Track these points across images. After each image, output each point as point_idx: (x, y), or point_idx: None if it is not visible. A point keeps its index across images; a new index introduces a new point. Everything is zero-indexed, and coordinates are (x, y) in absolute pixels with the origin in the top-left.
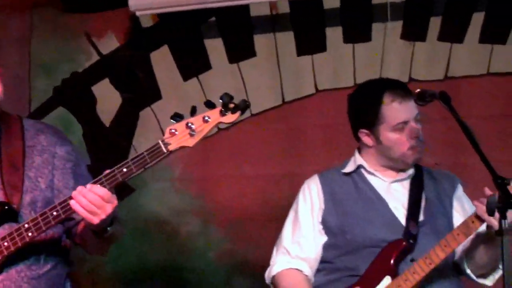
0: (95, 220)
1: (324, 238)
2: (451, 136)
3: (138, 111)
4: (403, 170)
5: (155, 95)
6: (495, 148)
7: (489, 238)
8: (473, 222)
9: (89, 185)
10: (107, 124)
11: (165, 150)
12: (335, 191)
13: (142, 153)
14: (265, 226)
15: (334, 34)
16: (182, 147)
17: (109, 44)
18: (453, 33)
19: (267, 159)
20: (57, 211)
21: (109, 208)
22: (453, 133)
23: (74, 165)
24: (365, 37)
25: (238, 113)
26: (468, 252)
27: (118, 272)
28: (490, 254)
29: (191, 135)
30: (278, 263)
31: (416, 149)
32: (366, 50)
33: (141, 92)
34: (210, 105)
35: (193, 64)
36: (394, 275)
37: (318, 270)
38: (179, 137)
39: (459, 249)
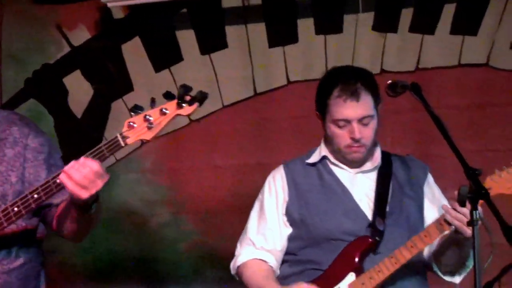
0: (84, 194)
1: (289, 230)
2: (422, 126)
3: (110, 102)
4: (368, 160)
5: (127, 86)
6: (466, 139)
7: (458, 240)
8: (441, 224)
9: (82, 159)
10: (79, 116)
11: (123, 144)
12: (299, 182)
13: (100, 146)
14: (236, 216)
15: (305, 26)
16: (140, 140)
17: (81, 35)
18: (424, 24)
19: (238, 150)
20: (38, 193)
21: (100, 183)
22: (424, 123)
23: (47, 156)
24: (337, 28)
25: (195, 105)
26: (437, 251)
27: (89, 264)
28: (458, 254)
29: (149, 128)
30: (243, 254)
31: (353, 149)
32: (337, 41)
33: (112, 83)
34: (169, 96)
35: (164, 56)
36: (358, 272)
37: (283, 262)
38: (137, 130)
39: (427, 247)
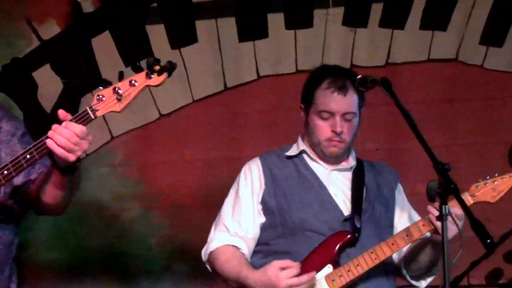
0: (72, 157)
1: (262, 219)
2: (392, 121)
3: (80, 97)
4: (343, 159)
5: (97, 81)
6: (436, 133)
7: (433, 243)
8: (423, 225)
9: (64, 123)
10: (48, 110)
11: (92, 116)
12: (276, 172)
13: (70, 119)
14: (206, 211)
15: (276, 20)
16: (110, 112)
17: (50, 29)
18: (394, 19)
19: (208, 144)
20: (30, 153)
21: (85, 144)
22: (394, 118)
23: (22, 135)
24: (307, 23)
25: (164, 75)
26: (410, 254)
27: (58, 258)
28: (431, 258)
29: (119, 100)
30: (216, 240)
31: (332, 143)
32: (308, 36)
33: (82, 78)
34: (137, 69)
35: (135, 50)
36: (336, 265)
37: (255, 252)
38: (106, 102)
39: (400, 250)
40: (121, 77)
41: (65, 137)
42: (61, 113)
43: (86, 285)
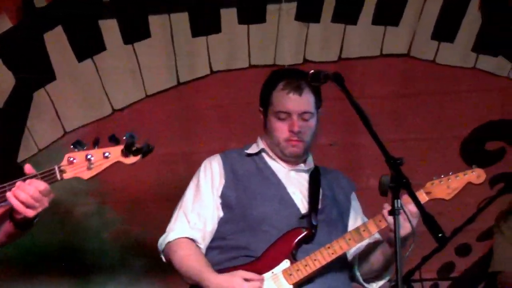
0: (31, 213)
1: (220, 213)
2: (345, 116)
3: (32, 92)
4: (300, 161)
5: (49, 76)
6: (389, 128)
7: (386, 246)
8: (380, 221)
9: (28, 180)
10: (1, 106)
11: (59, 177)
12: (237, 168)
13: (36, 174)
14: (160, 206)
15: (228, 15)
16: (76, 177)
17: (2, 24)
18: (346, 14)
19: (162, 139)
20: None
21: (46, 202)
22: (347, 113)
23: None
24: (260, 18)
25: (139, 156)
26: (363, 255)
27: (12, 255)
28: (383, 261)
29: (89, 168)
30: (176, 230)
31: (291, 143)
32: (260, 31)
33: (35, 73)
34: (113, 140)
35: (87, 45)
36: (293, 260)
37: (212, 248)
38: (76, 166)
39: (353, 250)
40: (96, 143)
41: (28, 193)
42: (27, 168)
43: (41, 281)
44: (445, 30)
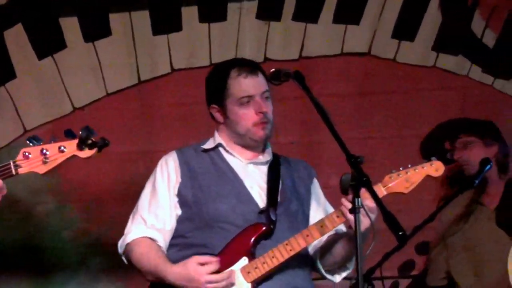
0: None
1: (178, 212)
2: (306, 115)
3: None
4: (259, 152)
5: (9, 74)
6: (350, 126)
7: (349, 237)
8: (338, 216)
9: None
10: None
11: (14, 172)
12: (192, 165)
13: None
14: (121, 204)
15: (189, 13)
16: (32, 172)
17: None
18: (307, 13)
19: (122, 137)
20: None
21: None
22: (308, 112)
23: None
24: (221, 16)
25: (94, 150)
26: (324, 248)
27: None
28: (345, 253)
29: (44, 162)
30: (134, 231)
31: (261, 126)
32: (221, 29)
33: None
34: (69, 134)
35: (48, 43)
36: (251, 257)
37: (172, 246)
38: (31, 161)
39: (315, 243)
40: (52, 138)
41: None
42: None
43: (1, 280)
44: (405, 29)
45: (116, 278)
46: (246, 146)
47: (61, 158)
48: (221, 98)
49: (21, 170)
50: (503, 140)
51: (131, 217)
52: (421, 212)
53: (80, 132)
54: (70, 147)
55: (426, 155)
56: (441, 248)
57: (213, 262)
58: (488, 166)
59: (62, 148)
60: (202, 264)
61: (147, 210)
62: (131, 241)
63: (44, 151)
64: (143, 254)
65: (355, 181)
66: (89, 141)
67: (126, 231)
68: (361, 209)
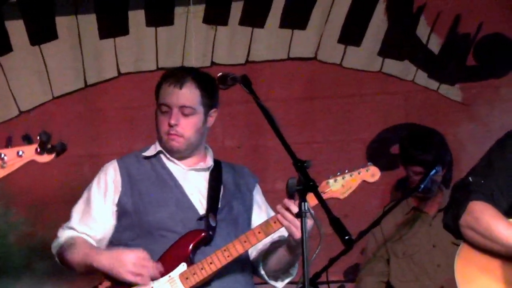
0: None
1: (114, 222)
2: (253, 119)
3: None
4: (200, 159)
5: None
6: (296, 131)
7: (288, 244)
8: (275, 222)
9: None
10: None
11: None
12: (133, 173)
13: None
14: (67, 208)
15: (136, 17)
16: None
17: None
18: (254, 18)
19: (69, 141)
20: None
21: None
22: (254, 116)
23: None
24: (168, 20)
25: (53, 155)
26: (266, 254)
27: None
28: (287, 259)
29: (2, 167)
30: (65, 235)
31: (169, 137)
32: (168, 33)
33: None
34: (26, 139)
35: None
36: (190, 263)
37: None
38: None
39: (258, 248)
40: (9, 142)
41: None
42: None
43: None
44: (351, 34)
45: (61, 282)
46: (186, 156)
47: (19, 163)
48: (156, 98)
49: None
50: (448, 154)
51: (63, 225)
52: (366, 217)
53: (39, 137)
54: (29, 151)
55: (372, 160)
56: (378, 252)
57: (152, 266)
58: (434, 171)
59: (21, 153)
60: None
61: (78, 220)
62: (64, 242)
63: (2, 155)
64: (73, 246)
65: (301, 185)
66: (48, 146)
67: (58, 234)
68: (308, 214)
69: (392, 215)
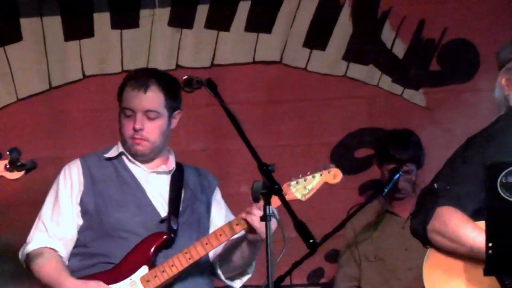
0: None
1: (80, 221)
2: (218, 122)
3: None
4: (162, 162)
5: None
6: (261, 134)
7: (247, 242)
8: (237, 224)
9: None
10: None
11: None
12: (95, 174)
13: None
14: (28, 210)
15: (101, 20)
16: None
17: None
18: (219, 21)
19: (32, 143)
20: None
21: None
22: (219, 119)
23: None
24: (133, 23)
25: (22, 172)
26: (224, 254)
27: None
28: (244, 259)
29: None
30: (35, 240)
31: (134, 141)
32: (134, 36)
33: None
34: None
35: None
36: (151, 266)
37: (74, 255)
38: None
39: (216, 249)
40: None
41: None
42: None
43: None
44: (316, 38)
45: (24, 285)
46: (149, 158)
47: None
48: (119, 100)
49: None
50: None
51: (34, 224)
52: (331, 221)
53: (9, 153)
54: None
55: (336, 164)
56: (350, 256)
57: None
58: (397, 175)
59: None
60: None
61: (49, 218)
62: (32, 250)
63: None
64: (43, 265)
65: (266, 189)
66: (19, 163)
67: (28, 239)
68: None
69: (365, 216)
